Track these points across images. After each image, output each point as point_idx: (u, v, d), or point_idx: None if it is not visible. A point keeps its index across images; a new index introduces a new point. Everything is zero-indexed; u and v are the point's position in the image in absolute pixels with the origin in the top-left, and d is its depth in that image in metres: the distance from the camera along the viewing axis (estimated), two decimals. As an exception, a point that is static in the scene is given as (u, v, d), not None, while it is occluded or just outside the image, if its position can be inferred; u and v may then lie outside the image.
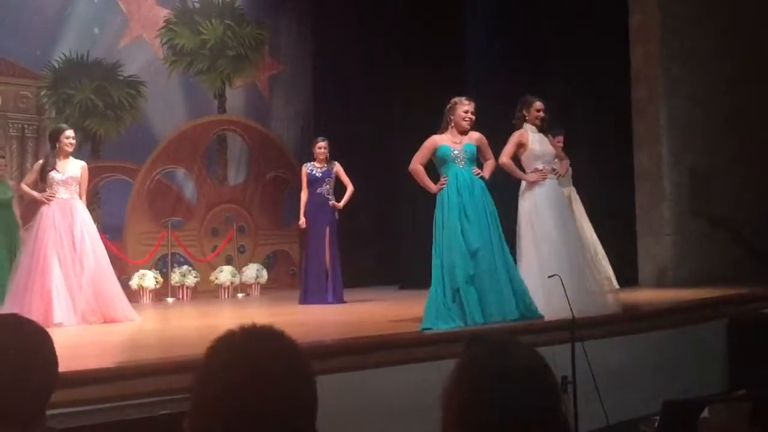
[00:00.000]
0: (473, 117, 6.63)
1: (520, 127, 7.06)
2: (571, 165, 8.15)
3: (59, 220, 7.54)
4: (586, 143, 10.11)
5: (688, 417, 3.14)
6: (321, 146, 9.36)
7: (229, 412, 1.35)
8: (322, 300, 9.00)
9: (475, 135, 6.66)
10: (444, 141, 6.65)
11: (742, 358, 6.91)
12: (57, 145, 7.84)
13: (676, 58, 9.87)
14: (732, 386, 6.67)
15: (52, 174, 7.68)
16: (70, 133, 7.96)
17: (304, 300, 9.14)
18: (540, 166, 6.91)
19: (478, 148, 6.63)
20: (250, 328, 1.46)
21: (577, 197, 9.06)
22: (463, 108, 6.66)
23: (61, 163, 7.77)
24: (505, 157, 6.88)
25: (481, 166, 6.68)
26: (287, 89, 12.85)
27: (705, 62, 10.01)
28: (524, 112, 7.04)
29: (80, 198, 7.84)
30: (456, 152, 6.56)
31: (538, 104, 7.07)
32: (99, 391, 4.02)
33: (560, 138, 8.72)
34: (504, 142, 7.03)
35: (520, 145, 6.96)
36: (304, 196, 9.27)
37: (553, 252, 6.61)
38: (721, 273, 9.34)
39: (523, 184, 6.94)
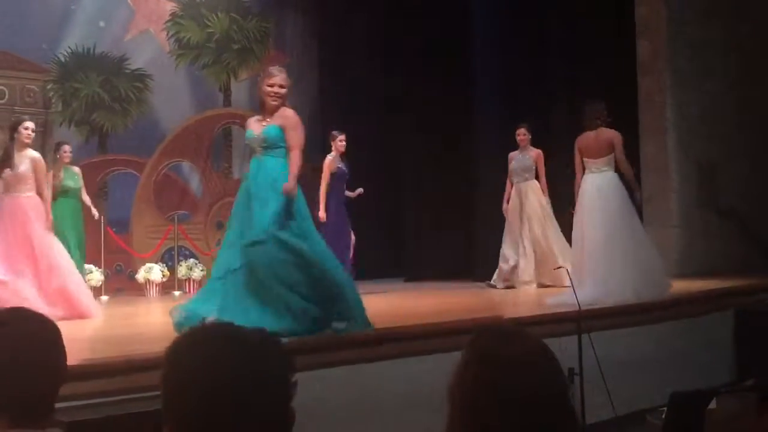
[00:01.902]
0: (281, 91, 5.53)
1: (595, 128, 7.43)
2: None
3: (8, 220, 7.15)
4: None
5: (696, 408, 3.14)
6: (344, 140, 9.08)
7: (199, 411, 1.34)
8: None
9: (286, 114, 5.50)
10: (251, 124, 5.59)
11: (750, 349, 6.90)
12: (15, 137, 7.41)
13: (683, 49, 9.84)
14: (740, 377, 6.66)
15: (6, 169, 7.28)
16: (29, 124, 7.55)
17: None
18: None
19: (284, 129, 5.43)
20: (210, 326, 1.45)
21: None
22: (267, 81, 5.56)
23: (18, 156, 7.34)
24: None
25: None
26: (292, 82, 12.81)
27: (712, 54, 9.97)
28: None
29: (40, 193, 7.34)
30: (254, 137, 5.48)
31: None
32: (105, 384, 4.04)
33: (520, 130, 9.32)
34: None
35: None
36: (325, 187, 8.89)
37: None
38: (727, 264, 9.32)
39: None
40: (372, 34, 11.80)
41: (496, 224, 9.56)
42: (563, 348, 4.53)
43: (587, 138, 7.48)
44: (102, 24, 11.45)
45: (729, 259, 9.48)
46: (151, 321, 7.39)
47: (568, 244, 8.64)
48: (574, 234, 7.42)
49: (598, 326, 5.71)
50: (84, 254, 9.29)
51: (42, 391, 1.87)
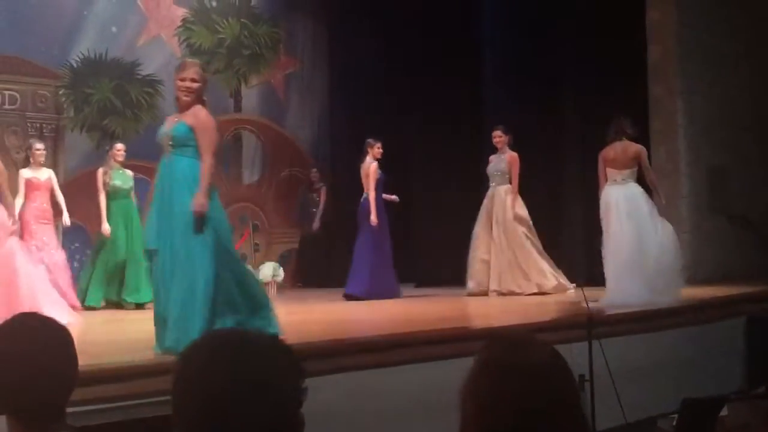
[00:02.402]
0: (193, 85, 5.16)
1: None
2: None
3: None
4: (603, 140, 10.07)
5: (707, 415, 3.13)
6: (381, 147, 9.49)
7: (208, 417, 1.34)
8: (394, 293, 9.23)
9: (197, 113, 5.09)
10: (166, 120, 5.34)
11: (761, 356, 6.88)
12: None
13: (694, 54, 9.83)
14: (751, 384, 6.63)
15: None
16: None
17: (371, 294, 9.04)
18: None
19: (194, 129, 5.05)
20: (222, 332, 1.45)
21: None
22: (178, 75, 5.19)
23: None
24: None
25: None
26: (302, 88, 12.86)
27: (723, 59, 9.96)
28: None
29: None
30: (163, 133, 5.19)
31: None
32: (114, 390, 4.05)
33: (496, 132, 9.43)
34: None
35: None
36: (374, 193, 9.29)
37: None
38: (739, 270, 9.29)
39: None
40: (384, 39, 11.81)
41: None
42: (573, 355, 4.52)
43: (614, 150, 7.75)
44: (114, 29, 11.50)
45: (740, 266, 9.45)
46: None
47: (538, 253, 8.81)
48: (607, 241, 7.58)
49: (609, 333, 5.69)
50: (139, 256, 8.68)
51: (54, 395, 1.88)
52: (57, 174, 9.56)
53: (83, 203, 10.26)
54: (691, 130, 9.77)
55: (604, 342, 5.09)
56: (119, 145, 9.54)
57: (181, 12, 11.97)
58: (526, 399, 1.46)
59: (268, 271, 11.58)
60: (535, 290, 8.92)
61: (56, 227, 9.31)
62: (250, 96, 12.48)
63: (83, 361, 2.02)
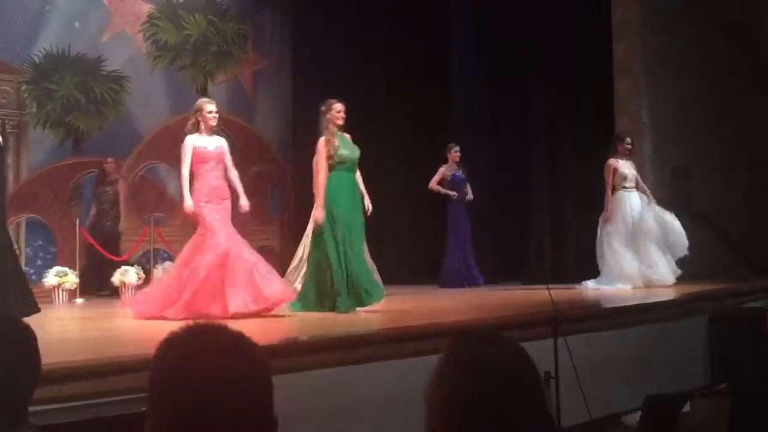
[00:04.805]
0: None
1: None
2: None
3: None
4: (569, 138, 10.16)
5: (670, 411, 3.16)
6: (458, 150, 10.45)
7: (185, 413, 1.33)
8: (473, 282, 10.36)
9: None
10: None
11: (723, 353, 6.96)
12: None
13: (659, 53, 9.92)
14: (713, 381, 6.72)
15: None
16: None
17: (458, 284, 10.24)
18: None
19: None
20: (197, 327, 1.44)
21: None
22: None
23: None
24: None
25: None
26: (271, 85, 12.81)
27: (687, 59, 10.06)
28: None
29: None
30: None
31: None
32: (79, 388, 4.00)
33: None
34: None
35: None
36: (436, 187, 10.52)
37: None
38: (701, 269, 9.39)
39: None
40: (351, 35, 11.80)
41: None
42: (539, 352, 4.54)
43: (623, 164, 9.20)
44: (77, 25, 11.36)
45: (703, 264, 9.55)
46: (125, 324, 7.32)
47: None
48: (618, 238, 8.98)
49: (574, 330, 5.73)
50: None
51: (15, 394, 1.85)
52: (20, 170, 9.45)
53: (46, 200, 10.15)
54: (655, 129, 9.86)
55: (569, 339, 5.13)
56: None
57: (146, 7, 11.86)
58: (492, 395, 1.47)
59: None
60: None
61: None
62: (218, 93, 12.38)
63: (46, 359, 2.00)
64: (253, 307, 6.63)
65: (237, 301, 6.59)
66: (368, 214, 7.38)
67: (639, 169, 9.64)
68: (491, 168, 10.99)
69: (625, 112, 9.89)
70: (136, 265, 10.85)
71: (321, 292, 7.13)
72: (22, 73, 10.94)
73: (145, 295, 7.35)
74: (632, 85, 9.89)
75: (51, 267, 10.12)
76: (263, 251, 12.44)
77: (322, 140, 7.31)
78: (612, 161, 9.18)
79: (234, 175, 7.32)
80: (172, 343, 1.41)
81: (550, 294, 5.36)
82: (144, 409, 1.40)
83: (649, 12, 9.87)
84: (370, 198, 7.43)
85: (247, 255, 6.99)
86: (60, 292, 9.86)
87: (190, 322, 1.44)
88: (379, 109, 11.50)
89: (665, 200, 9.79)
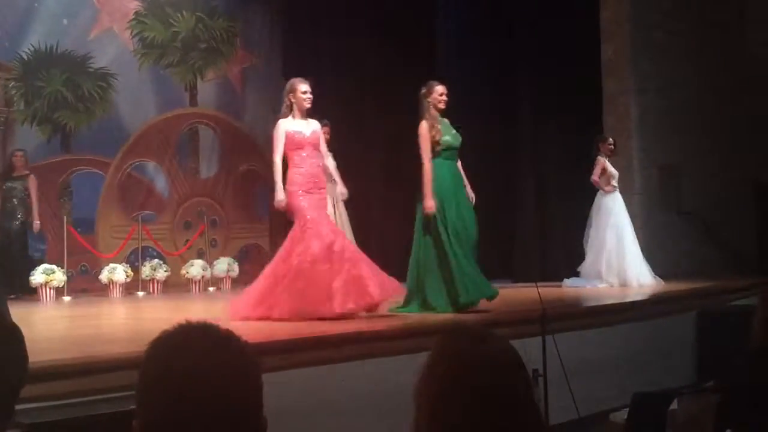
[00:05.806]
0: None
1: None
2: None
3: None
4: (557, 136, 10.17)
5: (658, 408, 3.17)
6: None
7: (174, 411, 1.33)
8: None
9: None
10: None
11: (711, 350, 6.99)
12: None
13: (647, 52, 9.95)
14: (701, 378, 6.75)
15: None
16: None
17: None
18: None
19: None
20: (188, 326, 1.43)
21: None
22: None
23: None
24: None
25: None
26: (259, 82, 12.78)
27: (676, 57, 10.09)
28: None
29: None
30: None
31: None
32: (66, 386, 3.99)
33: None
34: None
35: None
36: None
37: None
38: (689, 266, 9.44)
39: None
40: (340, 32, 11.78)
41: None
42: (527, 349, 4.55)
43: (612, 165, 9.24)
44: (65, 22, 11.31)
45: (691, 262, 9.60)
46: (113, 322, 7.31)
47: None
48: (610, 236, 8.99)
49: (562, 328, 5.75)
50: None
51: (3, 393, 1.84)
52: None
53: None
54: (643, 126, 9.89)
55: (557, 337, 5.15)
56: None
57: (134, 5, 11.81)
58: (481, 392, 1.47)
59: (223, 266, 11.51)
60: None
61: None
62: (207, 90, 12.36)
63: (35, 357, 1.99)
64: (361, 304, 6.20)
65: (345, 298, 6.13)
66: (473, 203, 6.79)
67: (627, 167, 9.69)
68: (479, 166, 10.97)
69: (613, 110, 9.92)
70: (124, 263, 10.83)
71: (437, 290, 6.49)
72: (9, 69, 10.89)
73: (244, 294, 6.77)
74: (620, 83, 9.91)
75: (40, 265, 10.08)
76: (252, 249, 12.47)
77: (424, 125, 6.67)
78: (602, 159, 9.23)
79: (329, 161, 6.80)
80: (162, 341, 1.40)
81: (538, 292, 5.37)
82: (133, 407, 1.40)
83: (636, 10, 9.90)
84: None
85: (351, 249, 6.54)
86: (47, 290, 9.83)
87: (183, 321, 1.43)
88: (369, 106, 11.49)
89: (653, 199, 9.82)
